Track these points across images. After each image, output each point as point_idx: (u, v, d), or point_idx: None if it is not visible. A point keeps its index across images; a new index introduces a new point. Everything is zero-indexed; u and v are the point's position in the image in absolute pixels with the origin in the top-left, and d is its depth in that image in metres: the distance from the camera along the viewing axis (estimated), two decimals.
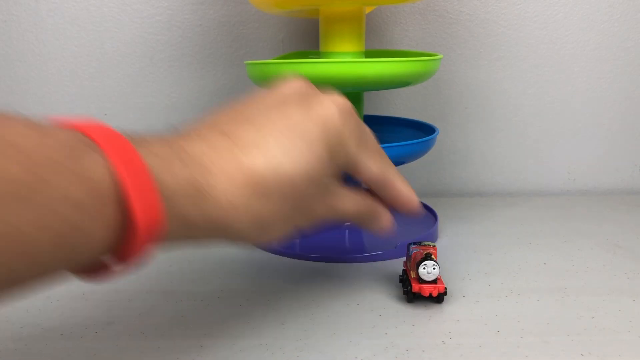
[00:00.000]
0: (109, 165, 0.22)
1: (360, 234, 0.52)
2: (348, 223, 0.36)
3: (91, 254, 0.23)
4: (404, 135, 0.57)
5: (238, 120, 0.31)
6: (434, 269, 0.37)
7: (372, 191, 0.36)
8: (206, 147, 0.28)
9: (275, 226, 0.30)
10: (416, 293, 0.38)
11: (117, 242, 0.23)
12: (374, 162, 0.34)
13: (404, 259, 0.42)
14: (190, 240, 0.28)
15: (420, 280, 0.38)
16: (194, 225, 0.27)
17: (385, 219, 0.37)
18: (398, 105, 0.65)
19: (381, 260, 0.46)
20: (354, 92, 0.50)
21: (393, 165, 0.36)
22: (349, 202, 0.35)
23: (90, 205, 0.21)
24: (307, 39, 0.63)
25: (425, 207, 0.57)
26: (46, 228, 0.20)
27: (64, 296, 0.40)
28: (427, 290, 0.38)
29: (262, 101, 0.33)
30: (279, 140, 0.30)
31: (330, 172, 0.32)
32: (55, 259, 0.21)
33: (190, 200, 0.26)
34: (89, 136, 0.23)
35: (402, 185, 0.36)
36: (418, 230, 0.51)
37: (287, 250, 0.48)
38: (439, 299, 0.38)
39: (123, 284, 0.42)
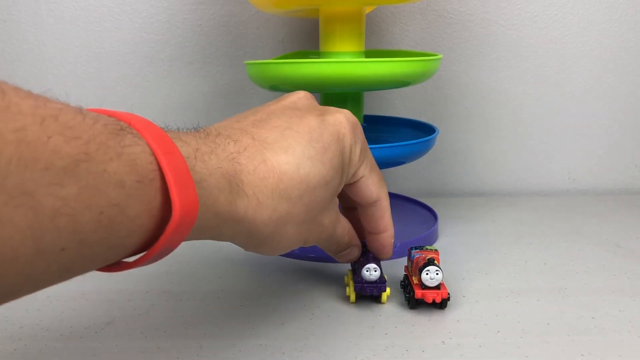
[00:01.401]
0: (149, 151, 0.23)
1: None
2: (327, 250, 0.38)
3: (131, 241, 0.23)
4: (404, 135, 0.57)
5: (259, 124, 0.32)
6: (437, 274, 0.37)
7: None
8: (236, 145, 0.29)
9: (290, 231, 0.31)
10: (419, 299, 0.37)
11: (154, 229, 0.23)
12: (372, 181, 0.36)
13: (404, 259, 0.41)
14: (214, 234, 0.28)
15: (423, 286, 0.37)
16: (222, 219, 0.27)
17: (354, 256, 0.39)
18: (398, 105, 0.65)
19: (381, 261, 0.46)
20: (354, 92, 0.50)
21: (387, 191, 0.37)
22: (343, 227, 0.36)
23: (133, 186, 0.22)
24: (307, 39, 0.63)
25: (425, 207, 0.57)
26: (91, 206, 0.20)
27: (64, 296, 0.40)
28: (430, 296, 0.37)
29: (275, 107, 0.34)
30: (300, 142, 0.31)
31: (340, 181, 0.33)
32: (99, 241, 0.21)
33: (222, 193, 0.27)
34: (129, 124, 0.24)
35: (388, 221, 0.38)
36: (418, 230, 0.51)
37: None
38: (441, 304, 0.38)
39: (123, 284, 0.42)
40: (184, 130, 0.28)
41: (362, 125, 0.51)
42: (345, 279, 0.41)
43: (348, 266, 0.42)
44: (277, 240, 0.31)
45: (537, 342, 0.34)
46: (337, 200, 0.35)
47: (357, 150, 0.34)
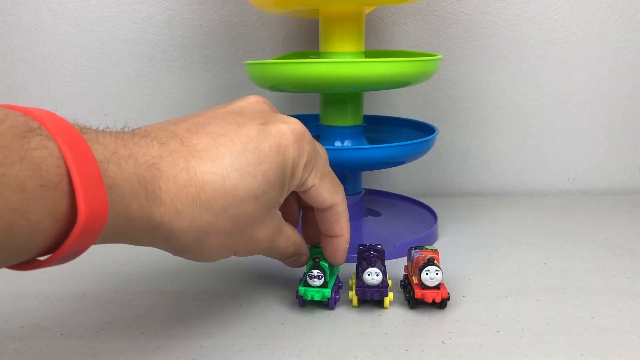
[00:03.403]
0: (58, 154, 0.22)
1: (359, 234, 0.52)
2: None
3: (34, 245, 0.23)
4: (404, 135, 0.57)
5: (193, 128, 0.31)
6: (437, 274, 0.37)
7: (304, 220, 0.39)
8: (160, 149, 0.28)
9: (214, 242, 0.30)
10: (419, 299, 0.37)
11: (59, 233, 0.23)
12: (324, 189, 0.35)
13: (404, 259, 0.42)
14: (129, 239, 0.28)
15: (423, 286, 0.37)
16: (136, 225, 0.27)
17: (301, 262, 0.39)
18: (398, 105, 0.65)
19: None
20: (354, 92, 0.50)
21: (344, 197, 0.37)
22: (287, 238, 0.36)
23: (35, 190, 0.21)
24: (307, 39, 0.63)
25: (425, 207, 0.57)
26: None
27: (64, 296, 0.40)
28: (430, 296, 0.37)
29: (219, 112, 0.33)
30: (231, 152, 0.30)
31: (277, 195, 0.32)
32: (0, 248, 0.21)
33: (135, 199, 0.26)
34: (41, 124, 0.23)
35: (344, 226, 0.37)
36: (418, 230, 0.51)
37: None
38: (441, 304, 0.38)
39: (123, 284, 0.42)
40: (110, 129, 0.28)
41: (362, 125, 0.51)
42: (349, 282, 0.41)
43: (353, 269, 0.42)
44: (199, 249, 0.30)
45: (536, 342, 0.34)
46: (277, 213, 0.34)
47: (302, 162, 0.33)
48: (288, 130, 0.32)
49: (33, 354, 0.33)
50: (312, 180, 0.34)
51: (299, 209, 0.40)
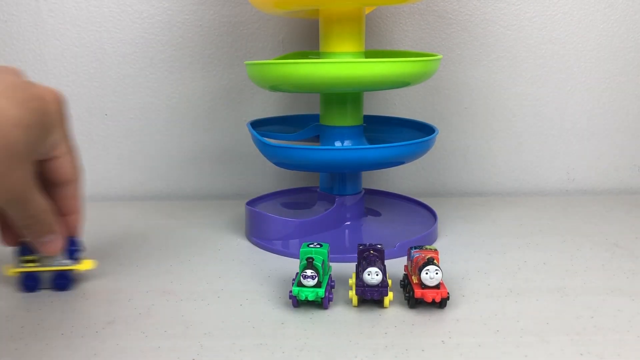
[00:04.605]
0: None
1: (359, 234, 0.52)
2: (20, 224, 0.36)
3: None
4: (404, 135, 0.57)
5: None
6: (437, 274, 0.37)
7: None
8: None
9: None
10: (419, 299, 0.37)
11: None
12: (70, 160, 0.37)
13: (404, 258, 0.42)
14: None
15: (423, 286, 0.37)
16: None
17: (58, 244, 0.38)
18: (398, 105, 0.65)
19: None
20: (354, 92, 0.50)
21: (82, 177, 0.39)
22: (39, 196, 0.35)
23: None
24: (307, 39, 0.63)
25: (425, 207, 0.57)
26: None
27: (65, 296, 0.40)
28: (429, 296, 0.37)
29: None
30: (3, 84, 0.32)
31: (41, 140, 0.34)
32: None
33: None
34: None
35: (80, 203, 0.39)
36: (418, 230, 0.51)
37: (286, 250, 0.48)
38: (441, 304, 0.38)
39: (123, 284, 0.42)
40: None
41: (362, 125, 0.51)
42: (350, 281, 0.41)
43: (352, 268, 0.42)
44: None
45: (536, 341, 0.34)
46: (33, 163, 0.34)
47: (61, 122, 0.36)
48: (50, 90, 0.35)
49: (33, 354, 0.33)
50: (63, 148, 0.36)
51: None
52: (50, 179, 0.37)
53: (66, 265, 0.40)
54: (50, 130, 0.34)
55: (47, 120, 0.34)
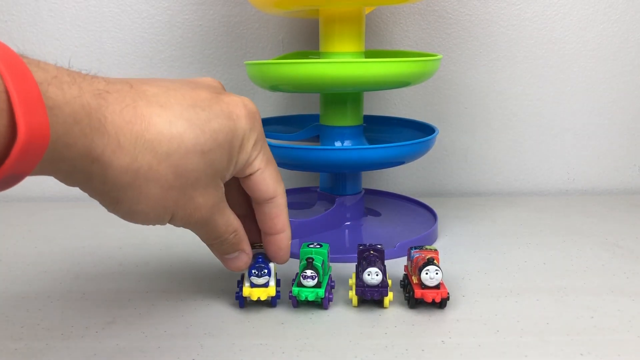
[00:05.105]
0: None
1: (359, 234, 0.52)
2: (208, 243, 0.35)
3: None
4: (404, 135, 0.57)
5: (145, 80, 0.30)
6: (437, 274, 0.37)
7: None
8: (108, 86, 0.27)
9: (152, 191, 0.28)
10: (419, 299, 0.37)
11: (0, 152, 0.23)
12: (269, 175, 0.34)
13: (404, 259, 0.42)
14: (67, 168, 0.26)
15: (423, 286, 0.37)
16: (75, 153, 0.25)
17: (242, 262, 0.36)
18: (398, 105, 0.65)
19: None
20: (354, 92, 0.50)
21: (284, 190, 0.36)
22: (229, 221, 0.33)
23: None
24: (307, 39, 0.63)
25: (425, 207, 0.57)
26: None
27: (64, 296, 0.40)
28: (429, 296, 0.37)
29: (175, 80, 0.33)
30: (181, 104, 0.29)
31: (224, 162, 0.31)
32: None
33: (77, 125, 0.25)
34: None
35: (285, 221, 0.36)
36: (418, 230, 0.51)
37: None
38: (441, 304, 0.38)
39: (124, 284, 0.42)
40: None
41: (362, 125, 0.51)
42: (350, 281, 0.41)
43: (352, 268, 0.42)
44: (136, 197, 0.28)
45: (536, 341, 0.34)
46: (220, 186, 0.32)
47: (252, 137, 0.32)
48: (241, 103, 0.32)
49: (33, 354, 0.33)
50: (259, 162, 0.33)
51: (243, 210, 0.37)
52: (252, 197, 0.35)
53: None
54: (238, 150, 0.32)
55: (233, 139, 0.31)
